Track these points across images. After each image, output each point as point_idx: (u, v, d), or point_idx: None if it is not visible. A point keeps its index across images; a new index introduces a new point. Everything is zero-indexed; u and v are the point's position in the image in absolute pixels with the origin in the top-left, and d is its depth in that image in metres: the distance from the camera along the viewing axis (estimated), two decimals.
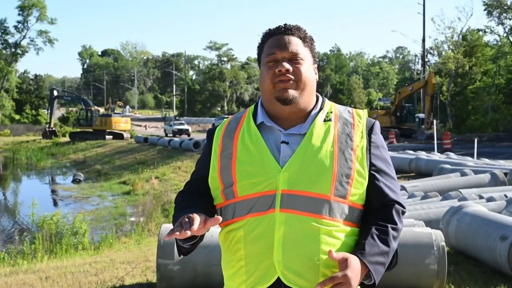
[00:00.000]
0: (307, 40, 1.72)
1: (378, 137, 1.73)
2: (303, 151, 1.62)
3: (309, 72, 1.69)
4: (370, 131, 1.71)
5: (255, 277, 1.59)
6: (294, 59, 1.66)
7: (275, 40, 1.69)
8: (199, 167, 1.79)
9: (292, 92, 1.64)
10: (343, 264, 1.52)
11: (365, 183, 1.65)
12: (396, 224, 1.65)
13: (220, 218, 1.55)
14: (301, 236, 1.56)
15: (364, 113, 1.76)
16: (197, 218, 1.52)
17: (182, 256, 1.68)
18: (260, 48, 1.75)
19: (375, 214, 1.66)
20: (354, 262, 1.52)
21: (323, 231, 1.57)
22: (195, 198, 1.72)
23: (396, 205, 1.68)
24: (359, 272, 1.53)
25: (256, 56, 1.83)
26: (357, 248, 1.60)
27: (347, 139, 1.66)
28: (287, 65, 1.64)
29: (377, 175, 1.67)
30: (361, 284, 1.59)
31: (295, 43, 1.68)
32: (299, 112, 1.68)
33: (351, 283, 1.49)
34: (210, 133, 1.79)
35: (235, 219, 1.64)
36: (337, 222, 1.60)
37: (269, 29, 1.75)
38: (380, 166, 1.69)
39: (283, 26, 1.72)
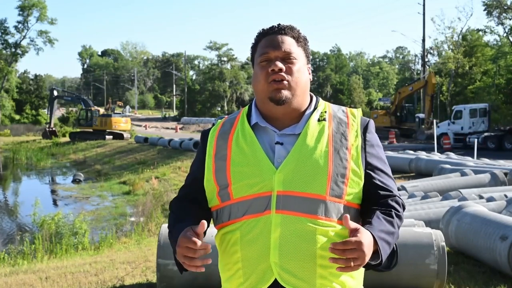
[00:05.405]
0: (300, 40, 1.71)
1: (373, 135, 1.71)
2: (298, 151, 1.61)
3: (302, 72, 1.67)
4: (365, 130, 1.70)
5: (253, 280, 1.58)
6: (287, 58, 1.65)
7: (268, 40, 1.68)
8: (193, 170, 1.77)
9: (285, 93, 1.63)
10: (356, 232, 1.45)
11: (361, 182, 1.63)
12: (398, 211, 1.63)
13: (205, 222, 1.51)
14: (298, 237, 1.55)
15: (358, 112, 1.74)
16: (197, 242, 1.48)
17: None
18: (254, 48, 1.74)
19: (375, 205, 1.63)
20: (367, 232, 1.47)
21: (320, 231, 1.55)
22: (189, 206, 1.72)
23: (396, 197, 1.66)
24: (371, 245, 1.47)
25: None
26: (364, 224, 1.55)
27: (341, 139, 1.64)
28: (280, 64, 1.63)
29: (373, 173, 1.66)
30: (366, 264, 1.51)
31: (289, 43, 1.67)
32: (293, 112, 1.67)
33: (364, 250, 1.42)
34: (204, 135, 1.77)
35: (231, 221, 1.62)
36: (333, 222, 1.58)
37: (263, 29, 1.74)
38: (376, 165, 1.68)
39: (276, 26, 1.71)
